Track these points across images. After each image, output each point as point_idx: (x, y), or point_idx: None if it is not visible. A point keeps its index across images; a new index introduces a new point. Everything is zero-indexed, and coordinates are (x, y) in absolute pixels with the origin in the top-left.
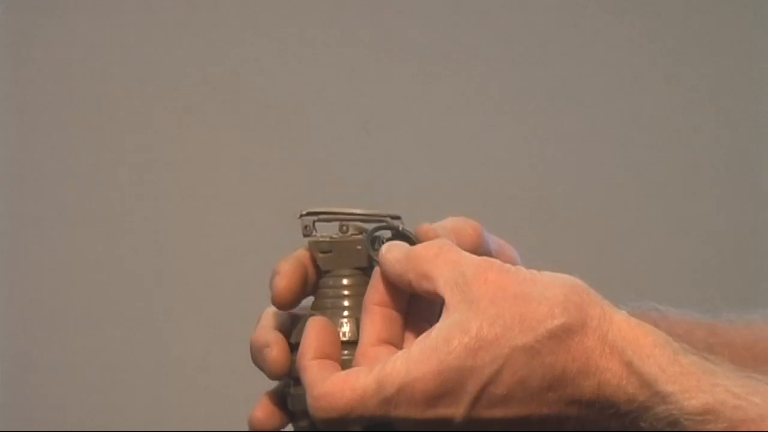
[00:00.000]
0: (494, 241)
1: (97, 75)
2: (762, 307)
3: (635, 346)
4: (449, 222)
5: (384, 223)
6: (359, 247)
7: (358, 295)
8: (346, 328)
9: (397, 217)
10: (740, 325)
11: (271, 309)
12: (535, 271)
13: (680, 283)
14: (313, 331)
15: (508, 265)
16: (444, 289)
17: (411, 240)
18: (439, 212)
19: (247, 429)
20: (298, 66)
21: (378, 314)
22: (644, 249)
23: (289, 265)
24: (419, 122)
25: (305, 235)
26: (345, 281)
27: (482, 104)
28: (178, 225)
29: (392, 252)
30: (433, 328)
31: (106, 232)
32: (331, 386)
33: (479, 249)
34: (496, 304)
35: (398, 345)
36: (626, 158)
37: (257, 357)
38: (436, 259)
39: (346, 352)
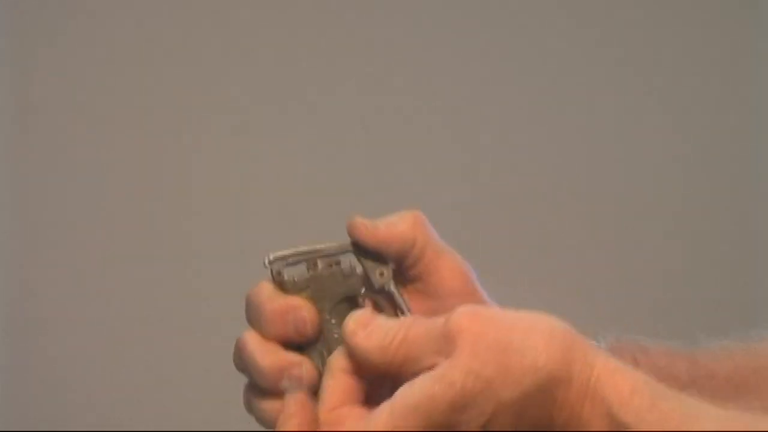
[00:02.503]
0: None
1: (97, 75)
2: (761, 305)
3: (614, 394)
4: (384, 226)
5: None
6: (334, 278)
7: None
8: None
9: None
10: (720, 354)
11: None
12: (510, 312)
13: (678, 287)
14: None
15: (479, 308)
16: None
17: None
18: (439, 212)
19: (247, 429)
20: (298, 66)
21: (342, 380)
22: (642, 252)
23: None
24: (419, 122)
25: (276, 281)
26: (330, 314)
27: (483, 104)
28: (178, 225)
29: (368, 341)
30: (414, 381)
31: (106, 233)
32: None
33: (421, 243)
34: (478, 356)
35: (361, 403)
36: (626, 159)
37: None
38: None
39: None
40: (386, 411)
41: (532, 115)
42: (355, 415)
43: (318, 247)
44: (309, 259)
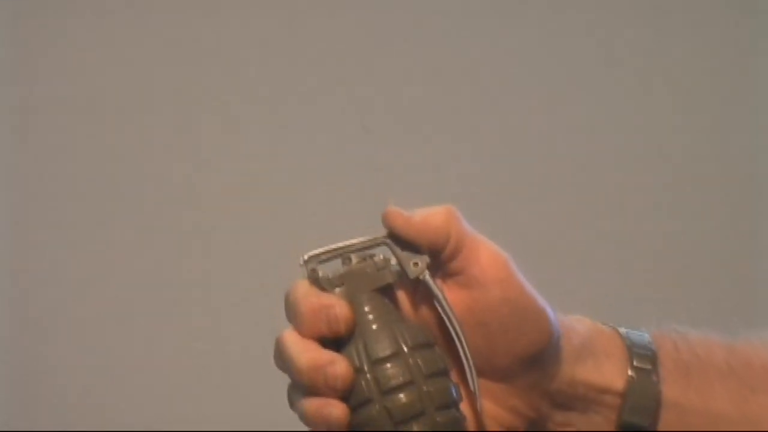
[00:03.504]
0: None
1: (97, 76)
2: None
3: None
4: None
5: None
6: (369, 271)
7: (382, 314)
8: (383, 344)
9: (387, 237)
10: (757, 344)
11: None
12: None
13: (683, 283)
14: None
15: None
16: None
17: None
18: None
19: (247, 429)
20: (298, 66)
21: None
22: (645, 250)
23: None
24: (419, 122)
25: (311, 278)
26: (366, 306)
27: (483, 104)
28: (178, 225)
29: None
30: None
31: (106, 233)
32: None
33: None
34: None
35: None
36: (627, 159)
37: (314, 378)
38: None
39: (388, 365)
40: None
41: (533, 115)
42: None
43: (351, 241)
44: (343, 254)
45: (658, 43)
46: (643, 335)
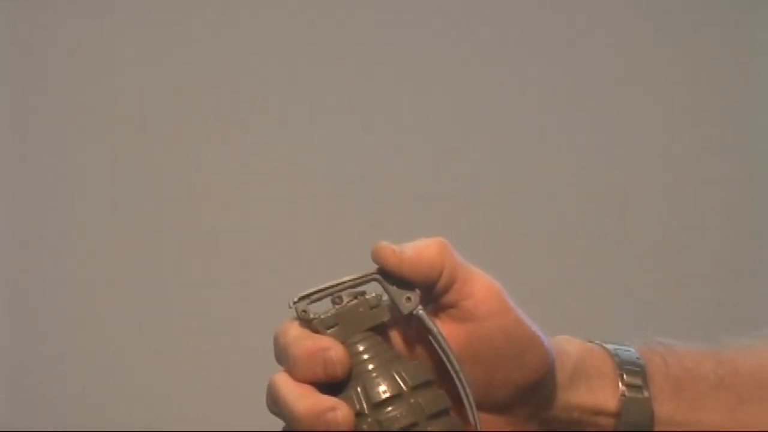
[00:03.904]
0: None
1: (97, 76)
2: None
3: None
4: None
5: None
6: (361, 310)
7: (379, 353)
8: (383, 386)
9: (377, 273)
10: (743, 351)
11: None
12: None
13: (683, 283)
14: None
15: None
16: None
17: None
18: (439, 212)
19: (246, 429)
20: (298, 66)
21: None
22: (645, 251)
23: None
24: (419, 122)
25: (302, 320)
26: (361, 347)
27: (484, 104)
28: (179, 225)
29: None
30: None
31: (106, 233)
32: None
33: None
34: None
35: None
36: (627, 159)
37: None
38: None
39: (389, 408)
40: None
41: (533, 115)
42: None
43: (341, 280)
44: (333, 293)
45: (658, 43)
46: (630, 351)
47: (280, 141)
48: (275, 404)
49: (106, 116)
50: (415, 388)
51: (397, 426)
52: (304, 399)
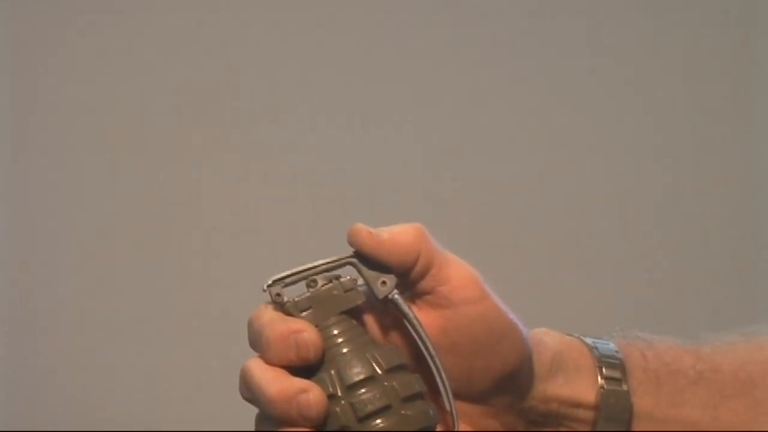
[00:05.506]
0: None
1: (98, 76)
2: (762, 307)
3: None
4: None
5: (351, 263)
6: (336, 293)
7: (353, 337)
8: (356, 369)
9: (353, 256)
10: (724, 348)
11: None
12: None
13: (678, 287)
14: None
15: None
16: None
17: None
18: (438, 212)
19: (246, 429)
20: (297, 66)
21: None
22: (645, 251)
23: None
24: (419, 122)
25: (276, 304)
26: (335, 330)
27: (483, 104)
28: (179, 225)
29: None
30: None
31: (106, 233)
32: None
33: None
34: None
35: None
36: (627, 158)
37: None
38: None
39: (363, 390)
40: None
41: (532, 115)
42: None
43: (316, 263)
44: (307, 277)
45: (657, 43)
46: (609, 345)
47: (279, 141)
48: (248, 390)
49: (106, 116)
50: (389, 371)
51: (370, 408)
52: (275, 382)
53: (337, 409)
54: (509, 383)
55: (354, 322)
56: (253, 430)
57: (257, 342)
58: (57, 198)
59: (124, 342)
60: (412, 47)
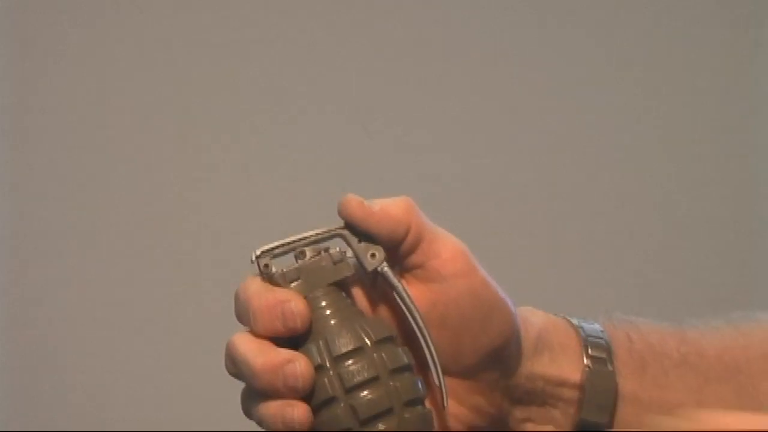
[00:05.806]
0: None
1: (97, 77)
2: (760, 306)
3: None
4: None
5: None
6: (324, 264)
7: (341, 308)
8: (344, 339)
9: (343, 228)
10: (708, 332)
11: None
12: None
13: (677, 283)
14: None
15: None
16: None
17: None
18: (438, 212)
19: (245, 429)
20: (297, 66)
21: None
22: (644, 251)
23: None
24: (419, 122)
25: (264, 275)
26: (323, 302)
27: (483, 105)
28: (179, 226)
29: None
30: None
31: (105, 233)
32: None
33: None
34: None
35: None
36: (627, 156)
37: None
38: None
39: (351, 361)
40: None
41: (532, 115)
42: None
43: (305, 234)
44: (296, 248)
45: (657, 43)
46: (594, 325)
47: (279, 141)
48: (233, 363)
49: (106, 116)
50: (378, 343)
51: (357, 379)
52: (261, 354)
53: (325, 379)
54: (497, 359)
55: (342, 293)
56: (253, 430)
57: (244, 313)
58: (57, 198)
59: (124, 342)
60: (412, 47)
